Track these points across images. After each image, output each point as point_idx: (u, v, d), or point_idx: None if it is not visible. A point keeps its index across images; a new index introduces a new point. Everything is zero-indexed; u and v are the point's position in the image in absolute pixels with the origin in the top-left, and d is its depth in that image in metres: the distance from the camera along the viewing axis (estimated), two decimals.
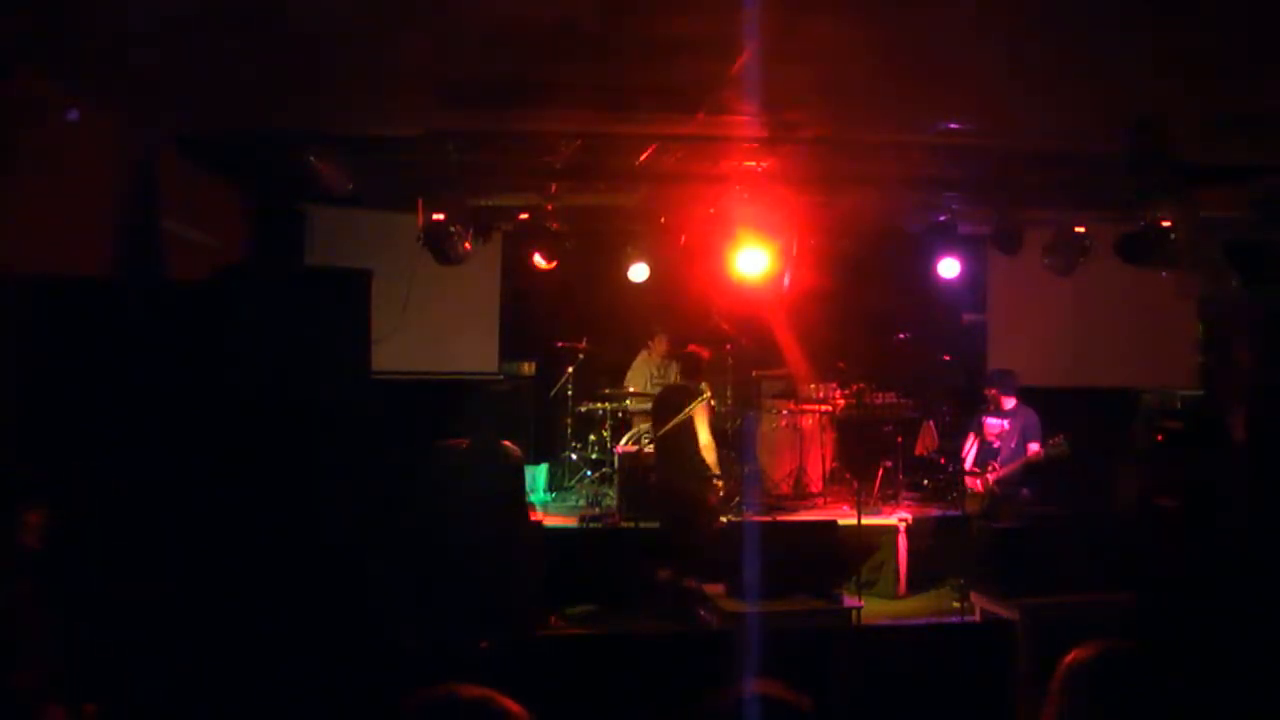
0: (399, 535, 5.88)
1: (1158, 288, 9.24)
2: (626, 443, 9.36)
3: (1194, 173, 7.16)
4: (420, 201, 8.11)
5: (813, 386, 9.96)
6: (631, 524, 8.33)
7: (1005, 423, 8.14)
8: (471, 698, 1.83)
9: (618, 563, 7.95)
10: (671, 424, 7.64)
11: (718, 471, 7.41)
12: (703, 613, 6.66)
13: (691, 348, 8.16)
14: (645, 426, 9.54)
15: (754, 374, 10.49)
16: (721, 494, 7.40)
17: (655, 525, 8.10)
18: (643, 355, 10.19)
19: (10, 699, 2.05)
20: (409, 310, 8.53)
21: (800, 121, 6.29)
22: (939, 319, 10.63)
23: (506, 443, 7.62)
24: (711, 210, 8.59)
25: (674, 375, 10.14)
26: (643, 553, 7.80)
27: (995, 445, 8.16)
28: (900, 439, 9.72)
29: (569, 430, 10.10)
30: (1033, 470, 7.98)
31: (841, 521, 7.42)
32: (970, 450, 8.29)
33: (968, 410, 8.86)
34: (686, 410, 7.69)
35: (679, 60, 5.08)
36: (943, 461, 9.40)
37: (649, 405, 9.89)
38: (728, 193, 8.15)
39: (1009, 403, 8.17)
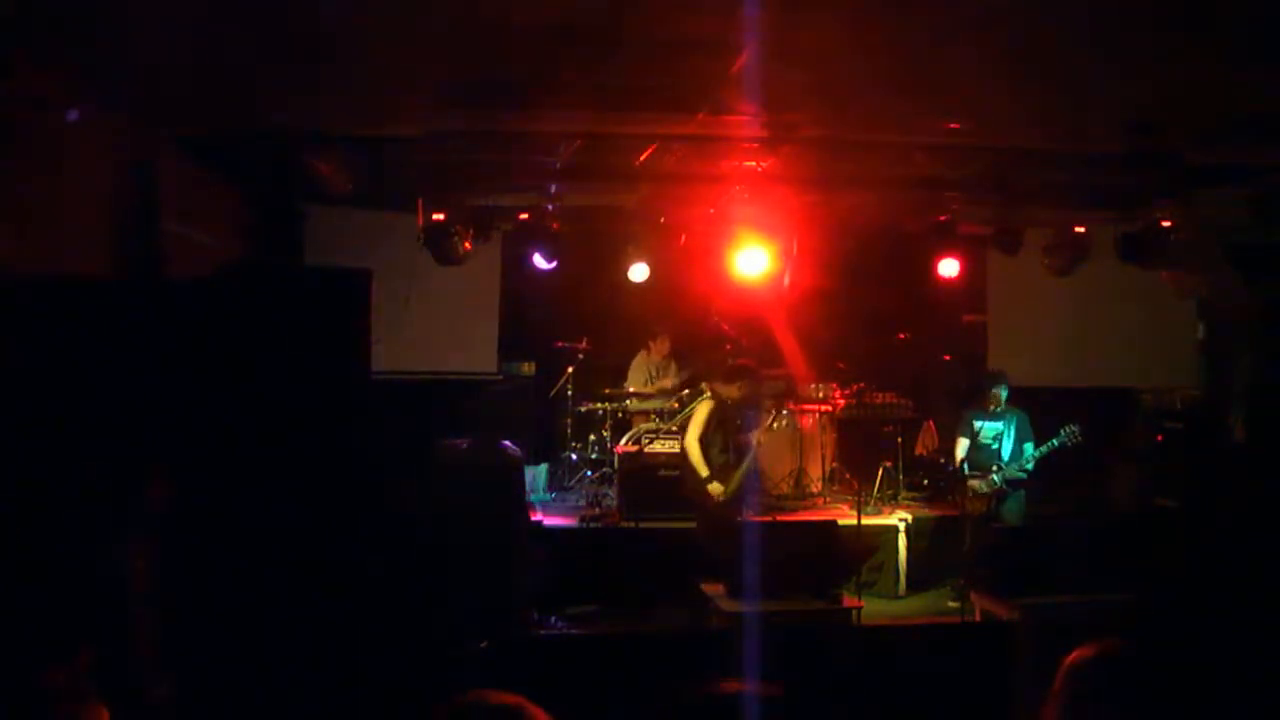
0: (398, 535, 5.88)
1: (1158, 288, 9.24)
2: (626, 443, 9.36)
3: (1194, 173, 7.16)
4: (420, 201, 8.11)
5: (813, 386, 9.96)
6: (631, 524, 8.33)
7: (999, 424, 8.13)
8: (501, 704, 1.82)
9: (618, 563, 7.95)
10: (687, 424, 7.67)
11: (704, 472, 7.38)
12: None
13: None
14: (646, 426, 9.55)
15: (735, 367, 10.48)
16: (720, 498, 7.36)
17: (661, 525, 8.11)
18: (642, 355, 10.19)
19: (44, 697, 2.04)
20: (409, 310, 8.53)
21: (800, 121, 6.28)
22: (939, 319, 10.62)
23: (506, 443, 7.63)
24: (711, 210, 8.59)
25: (673, 375, 10.16)
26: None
27: (994, 447, 8.14)
28: (900, 439, 9.72)
29: (569, 430, 10.10)
30: (1043, 469, 7.97)
31: (841, 521, 7.42)
32: (963, 454, 8.25)
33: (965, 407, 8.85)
34: (688, 410, 7.73)
35: (679, 60, 5.07)
36: (943, 461, 9.39)
37: (648, 405, 9.92)
38: (728, 193, 8.15)
39: (1001, 404, 8.16)
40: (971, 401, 8.40)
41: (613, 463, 9.39)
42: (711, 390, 7.68)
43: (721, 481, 7.35)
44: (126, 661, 4.01)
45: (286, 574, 4.69)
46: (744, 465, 7.49)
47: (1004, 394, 8.11)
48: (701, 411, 7.56)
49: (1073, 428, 7.72)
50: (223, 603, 4.54)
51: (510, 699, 1.81)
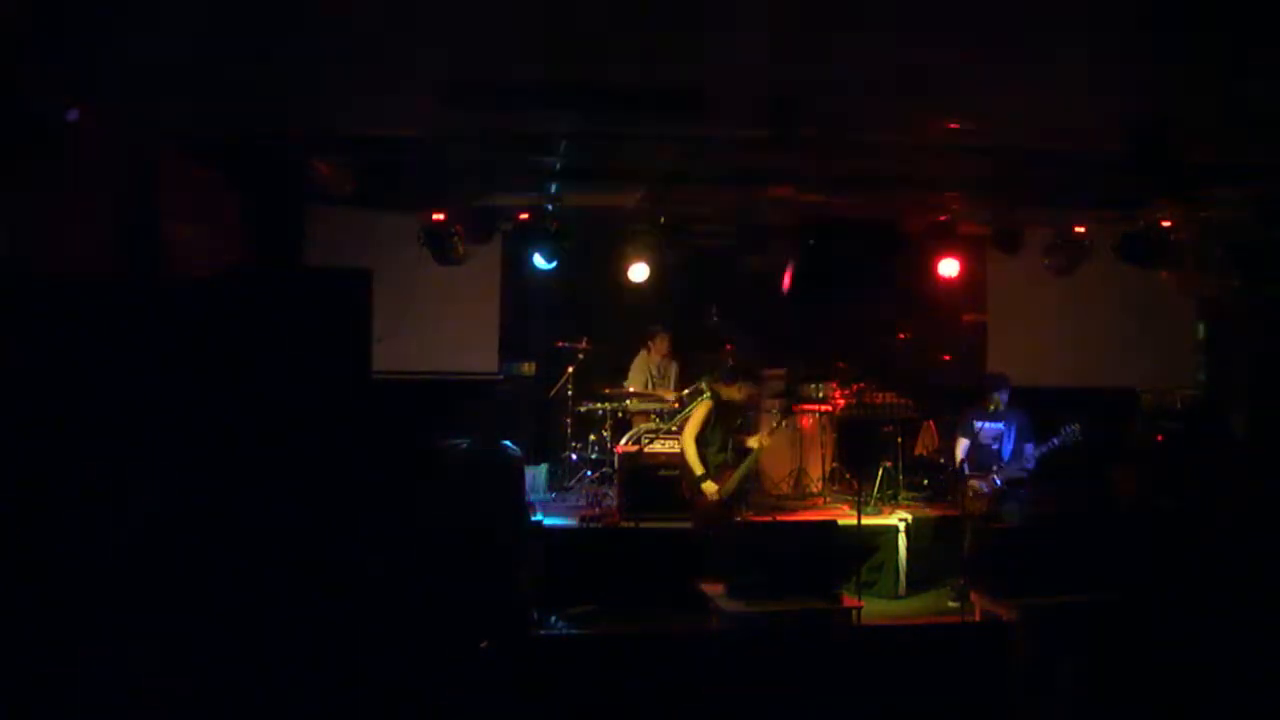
0: (398, 535, 5.88)
1: (1158, 288, 9.25)
2: (626, 443, 9.36)
3: (1194, 173, 7.16)
4: (420, 201, 8.12)
5: (813, 386, 9.96)
6: (631, 524, 8.33)
7: (1000, 425, 8.14)
8: None
9: (618, 563, 7.95)
10: (689, 421, 7.67)
11: (699, 470, 7.38)
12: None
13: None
14: (646, 426, 9.55)
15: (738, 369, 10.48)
16: (715, 496, 7.36)
17: (661, 525, 8.12)
18: (642, 355, 10.19)
19: None
20: (409, 310, 8.53)
21: (800, 121, 6.28)
22: (939, 319, 10.62)
23: (506, 443, 7.63)
24: (713, 210, 8.60)
25: (673, 377, 10.16)
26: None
27: (994, 448, 8.14)
28: (900, 439, 9.71)
29: (569, 430, 10.10)
30: (1043, 469, 7.97)
31: (841, 521, 7.42)
32: (962, 454, 8.26)
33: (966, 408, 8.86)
34: (689, 409, 7.74)
35: (679, 60, 5.08)
36: (943, 461, 9.39)
37: (648, 405, 9.92)
38: (731, 193, 8.16)
39: (1002, 406, 8.17)
40: (972, 403, 8.40)
41: (613, 463, 9.39)
42: (712, 390, 7.69)
43: (718, 481, 7.35)
44: (127, 661, 4.02)
45: (286, 574, 4.70)
46: (743, 466, 7.50)
47: (1004, 397, 8.12)
48: (700, 410, 7.56)
49: (1073, 427, 7.73)
50: (223, 603, 4.55)
51: None
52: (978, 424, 8.13)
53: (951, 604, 7.92)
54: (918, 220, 9.07)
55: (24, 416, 4.46)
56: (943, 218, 8.76)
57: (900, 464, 9.65)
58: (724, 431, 7.51)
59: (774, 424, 8.12)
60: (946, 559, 8.43)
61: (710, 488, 7.32)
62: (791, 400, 9.85)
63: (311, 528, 4.81)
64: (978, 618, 6.64)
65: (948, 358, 10.52)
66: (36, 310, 4.60)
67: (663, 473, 8.56)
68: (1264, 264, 8.54)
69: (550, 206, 8.61)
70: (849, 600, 6.59)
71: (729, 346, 9.96)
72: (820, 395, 9.90)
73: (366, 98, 5.91)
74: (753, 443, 7.57)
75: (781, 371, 10.30)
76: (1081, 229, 8.69)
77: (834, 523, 7.13)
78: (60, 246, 5.16)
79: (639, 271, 9.48)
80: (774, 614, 6.20)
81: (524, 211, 8.73)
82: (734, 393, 7.50)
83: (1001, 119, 6.22)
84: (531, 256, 9.22)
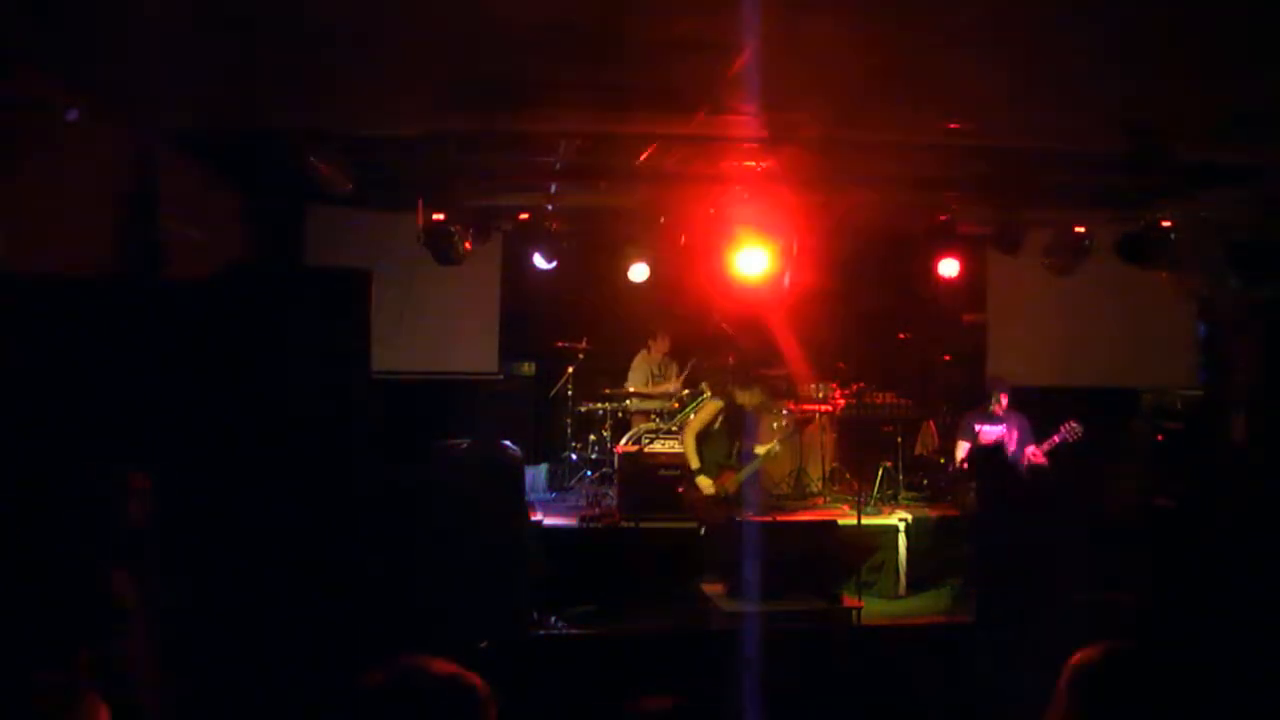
0: (398, 535, 5.88)
1: (1158, 288, 9.24)
2: (626, 443, 9.36)
3: (1194, 173, 7.16)
4: (420, 201, 8.11)
5: (813, 386, 9.96)
6: (631, 524, 8.33)
7: (1001, 427, 8.15)
8: (437, 673, 1.83)
9: (618, 563, 7.96)
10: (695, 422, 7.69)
11: (695, 464, 7.39)
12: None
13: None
14: (646, 426, 9.56)
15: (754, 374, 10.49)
16: (710, 492, 7.37)
17: (661, 525, 8.12)
18: (642, 355, 10.19)
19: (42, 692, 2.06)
20: (409, 310, 8.52)
21: (800, 121, 6.28)
22: (939, 319, 10.63)
23: (506, 443, 7.63)
24: (711, 210, 8.59)
25: (674, 375, 10.16)
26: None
27: None
28: (900, 439, 9.71)
29: (569, 430, 10.10)
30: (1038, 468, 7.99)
31: (841, 521, 7.42)
32: (964, 455, 8.28)
33: (967, 411, 8.87)
34: (690, 408, 7.76)
35: (679, 60, 5.07)
36: (942, 461, 9.39)
37: (648, 405, 9.93)
38: (728, 193, 8.15)
39: (1003, 408, 8.18)
40: (971, 406, 8.41)
41: (613, 463, 9.39)
42: (721, 392, 7.71)
43: (719, 481, 7.36)
44: (126, 662, 4.01)
45: (286, 574, 4.70)
46: (746, 469, 7.51)
47: (1004, 399, 8.14)
48: (709, 409, 7.58)
49: (1070, 424, 7.75)
50: (222, 603, 4.55)
51: (446, 669, 1.82)
52: (978, 427, 8.15)
53: (952, 604, 7.93)
54: (918, 220, 9.06)
55: (24, 416, 4.46)
56: (943, 218, 8.74)
57: (900, 464, 9.65)
58: (729, 434, 7.53)
59: (778, 427, 8.14)
60: (946, 559, 8.43)
61: (705, 482, 7.34)
62: (788, 399, 9.86)
63: (311, 528, 4.81)
64: (977, 618, 6.65)
65: (948, 358, 10.53)
66: (36, 310, 4.60)
67: (663, 473, 8.57)
68: (1264, 264, 8.54)
69: (550, 206, 8.60)
70: (849, 600, 6.60)
71: (731, 353, 9.96)
72: (820, 395, 9.91)
73: (367, 98, 5.91)
74: (760, 450, 7.59)
75: (782, 371, 10.29)
76: (1081, 229, 8.68)
77: (834, 523, 7.15)
78: (60, 246, 5.15)
79: (639, 271, 9.48)
80: (774, 614, 6.20)
81: (524, 211, 8.73)
82: (747, 398, 7.53)
83: (1001, 119, 6.22)
84: (531, 256, 9.22)
